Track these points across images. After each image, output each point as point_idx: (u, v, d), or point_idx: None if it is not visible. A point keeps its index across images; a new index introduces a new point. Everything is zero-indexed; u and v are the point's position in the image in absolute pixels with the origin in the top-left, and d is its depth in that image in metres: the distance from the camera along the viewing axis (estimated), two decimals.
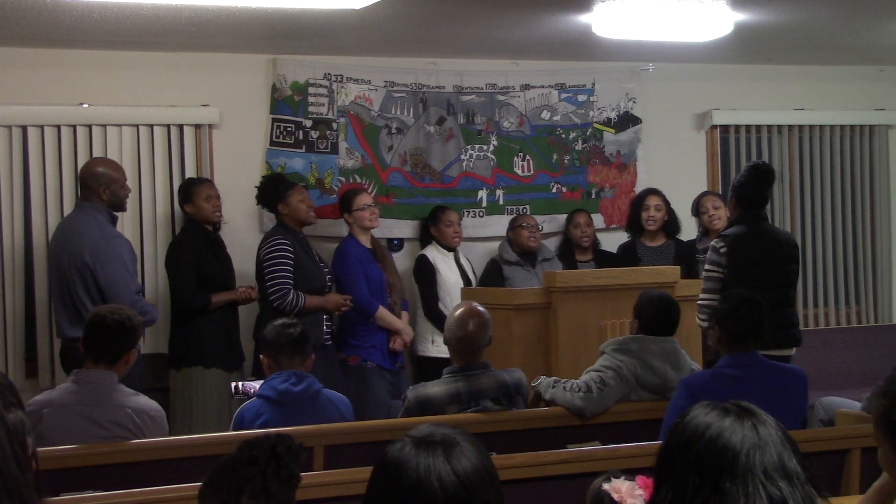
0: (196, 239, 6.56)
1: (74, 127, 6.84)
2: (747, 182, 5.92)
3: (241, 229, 7.13)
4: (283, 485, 2.69)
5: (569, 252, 7.76)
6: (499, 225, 7.77)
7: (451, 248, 7.41)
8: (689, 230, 7.72)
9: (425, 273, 7.30)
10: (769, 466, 2.00)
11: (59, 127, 6.81)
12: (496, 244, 7.68)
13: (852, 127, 8.84)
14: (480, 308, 5.03)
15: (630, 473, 2.94)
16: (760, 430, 2.04)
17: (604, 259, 7.69)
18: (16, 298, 6.71)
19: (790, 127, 8.68)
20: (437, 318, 7.13)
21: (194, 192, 6.60)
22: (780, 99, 8.62)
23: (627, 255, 7.56)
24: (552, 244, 7.83)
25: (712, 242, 5.96)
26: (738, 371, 4.68)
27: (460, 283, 7.26)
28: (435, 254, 7.37)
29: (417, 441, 2.05)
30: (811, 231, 8.70)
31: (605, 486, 2.76)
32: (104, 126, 6.89)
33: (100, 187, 6.05)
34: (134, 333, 4.52)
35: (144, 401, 4.50)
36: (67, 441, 4.26)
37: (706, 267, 5.85)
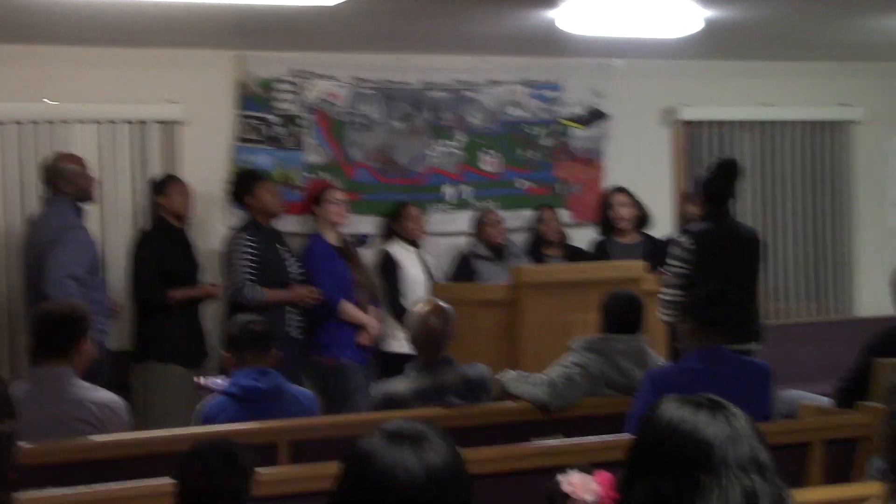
0: (161, 234, 6.57)
1: (38, 124, 6.81)
2: (713, 178, 5.94)
3: (209, 227, 7.12)
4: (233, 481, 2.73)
5: (537, 247, 7.77)
6: (465, 220, 7.78)
7: (414, 244, 7.41)
8: (661, 225, 7.75)
9: (388, 269, 7.30)
10: (743, 459, 2.01)
11: (21, 124, 6.78)
12: (462, 239, 7.69)
13: (816, 123, 8.90)
14: (441, 303, 5.04)
15: (595, 468, 2.96)
16: (733, 422, 2.04)
17: (572, 254, 7.71)
18: None
19: (756, 123, 8.73)
20: (399, 314, 7.14)
21: (168, 185, 6.62)
22: (746, 95, 8.66)
23: (600, 253, 7.57)
24: (520, 239, 7.84)
25: (677, 238, 5.98)
26: (704, 365, 4.69)
27: (424, 279, 7.27)
28: (398, 249, 7.37)
29: (388, 434, 2.05)
30: (775, 226, 8.75)
31: (560, 478, 2.78)
32: (68, 123, 6.86)
33: (64, 182, 6.05)
34: (81, 322, 4.47)
35: (105, 394, 4.47)
36: (28, 439, 4.22)
37: (671, 262, 5.86)
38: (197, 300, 6.62)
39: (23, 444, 4.13)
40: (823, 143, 8.91)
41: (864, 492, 3.24)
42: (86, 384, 4.45)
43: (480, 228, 7.56)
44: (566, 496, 2.98)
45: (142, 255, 6.49)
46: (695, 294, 4.94)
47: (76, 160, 6.26)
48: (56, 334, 4.41)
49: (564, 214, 8.08)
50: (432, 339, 4.93)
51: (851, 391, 5.05)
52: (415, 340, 5.00)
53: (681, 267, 5.77)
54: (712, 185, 5.92)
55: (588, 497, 2.93)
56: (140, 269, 6.48)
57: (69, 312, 4.45)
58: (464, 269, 7.41)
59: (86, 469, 4.12)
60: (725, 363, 4.76)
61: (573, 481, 2.87)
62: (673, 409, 2.08)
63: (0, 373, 6.63)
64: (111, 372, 6.05)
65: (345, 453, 2.09)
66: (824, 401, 5.51)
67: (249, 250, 6.60)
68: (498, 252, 7.48)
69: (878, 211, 9.09)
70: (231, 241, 6.66)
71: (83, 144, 6.85)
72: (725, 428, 2.03)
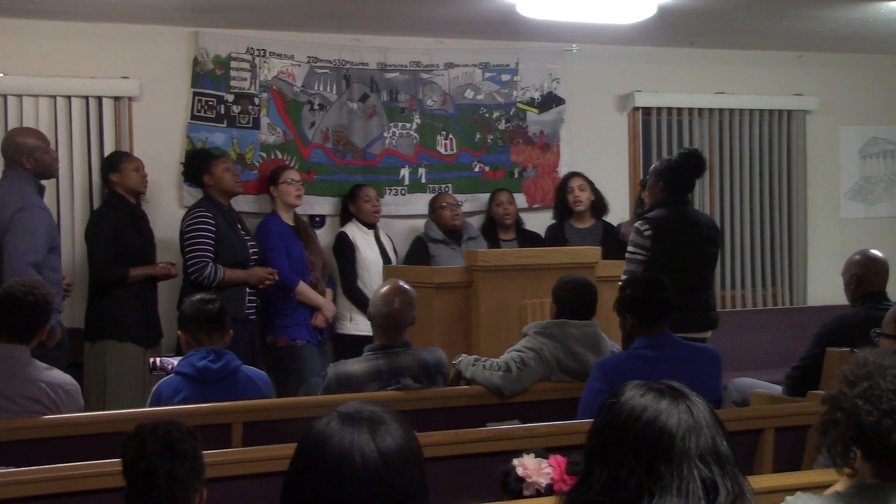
0: (118, 211, 6.48)
1: None
2: (679, 168, 5.95)
3: (162, 204, 7.06)
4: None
5: (492, 231, 7.77)
6: (421, 203, 7.76)
7: (370, 225, 7.39)
8: (616, 211, 7.77)
9: (344, 250, 7.28)
10: (703, 450, 2.01)
11: None
12: (419, 222, 7.68)
13: (771, 112, 8.95)
14: (407, 286, 5.03)
15: (550, 452, 2.96)
16: (695, 412, 2.04)
17: (527, 238, 7.72)
18: None
19: (710, 110, 8.77)
20: (355, 296, 7.13)
21: (122, 161, 6.53)
22: (701, 82, 8.70)
23: (555, 237, 7.58)
24: (476, 223, 7.84)
25: (636, 224, 5.99)
26: (653, 352, 4.72)
27: (380, 261, 7.25)
28: (355, 231, 7.34)
29: (344, 416, 2.04)
30: (729, 214, 8.80)
31: (515, 462, 2.78)
32: (20, 97, 6.77)
33: (22, 156, 5.94)
34: (48, 311, 4.47)
35: (58, 374, 4.44)
36: None
37: (629, 248, 5.88)
38: (154, 279, 6.56)
39: None
40: (778, 131, 8.97)
41: (813, 479, 3.28)
42: (42, 364, 4.41)
43: (436, 211, 7.55)
44: (520, 480, 2.99)
45: (100, 234, 6.40)
46: (627, 290, 4.91)
47: (36, 135, 6.15)
48: (20, 319, 4.37)
49: (520, 198, 8.08)
50: (393, 320, 4.92)
51: (803, 379, 5.10)
52: (375, 321, 4.98)
53: (638, 253, 5.78)
54: (676, 175, 5.93)
55: (542, 480, 2.93)
56: (99, 248, 6.39)
57: (39, 301, 4.40)
58: (419, 252, 7.39)
59: (37, 448, 4.09)
60: (674, 349, 4.79)
61: (527, 465, 2.88)
62: (636, 397, 2.08)
63: None
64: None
65: (301, 434, 2.08)
66: (776, 389, 5.56)
67: (209, 229, 6.54)
68: (453, 235, 7.47)
69: (831, 200, 9.18)
70: (189, 219, 6.60)
71: (36, 119, 6.77)
72: (688, 418, 2.03)
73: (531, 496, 3.00)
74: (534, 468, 2.93)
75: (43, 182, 6.07)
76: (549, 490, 2.94)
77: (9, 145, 6.02)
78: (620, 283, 5.65)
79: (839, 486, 2.53)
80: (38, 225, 5.81)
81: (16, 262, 5.68)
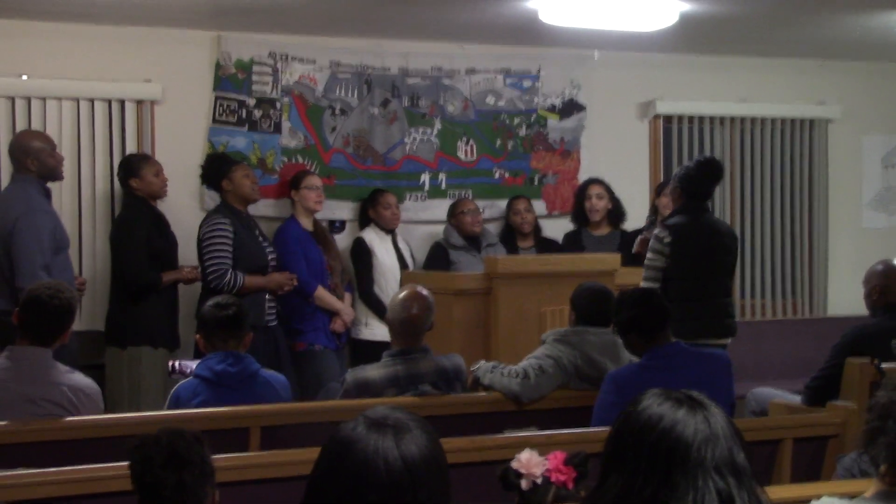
0: (144, 215, 6.50)
1: (13, 99, 6.75)
2: (696, 176, 5.95)
3: (182, 208, 7.07)
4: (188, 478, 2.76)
5: (510, 238, 7.77)
6: (441, 209, 7.76)
7: (389, 231, 7.40)
8: (634, 219, 7.76)
9: (361, 255, 7.28)
10: (720, 461, 1.99)
11: None
12: (437, 228, 7.68)
13: (793, 120, 8.93)
14: (425, 292, 5.03)
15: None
16: (712, 422, 2.03)
17: (545, 245, 7.71)
18: None
19: (732, 118, 8.75)
20: (371, 301, 7.13)
21: (142, 167, 6.53)
22: (723, 90, 8.68)
23: (572, 244, 7.58)
24: (494, 229, 7.84)
25: (656, 231, 5.99)
26: (662, 362, 4.69)
27: (397, 266, 7.26)
28: (373, 236, 7.35)
29: (370, 422, 2.04)
30: (750, 222, 8.78)
31: (515, 458, 2.81)
32: (43, 99, 6.81)
33: (27, 158, 5.98)
34: (72, 314, 4.49)
35: (80, 378, 4.45)
36: (0, 417, 4.21)
37: (648, 255, 5.87)
38: (177, 283, 6.58)
39: None
40: (800, 140, 8.94)
41: (832, 490, 3.26)
42: (64, 367, 4.43)
43: (456, 217, 7.54)
44: (519, 474, 3.00)
45: (132, 240, 6.39)
46: (622, 310, 4.87)
47: (42, 137, 6.19)
48: (45, 322, 4.38)
49: (540, 205, 8.08)
50: (411, 326, 4.91)
51: (823, 389, 5.08)
52: (393, 326, 4.98)
53: (657, 260, 5.78)
54: (693, 183, 5.92)
55: (536, 471, 2.94)
56: (132, 253, 6.38)
57: (64, 305, 4.42)
58: (439, 257, 7.39)
59: (57, 450, 4.11)
60: (682, 357, 4.76)
61: (522, 458, 2.90)
62: (654, 406, 2.07)
63: None
64: (80, 352, 6.02)
65: (326, 437, 2.08)
66: (795, 399, 5.54)
67: (227, 236, 6.54)
68: (473, 242, 7.47)
69: (852, 209, 9.14)
70: (207, 226, 6.59)
71: (59, 121, 6.81)
72: (704, 428, 2.02)
73: (529, 490, 3.01)
74: (529, 461, 2.94)
75: (50, 185, 6.11)
76: (545, 482, 2.95)
77: (15, 148, 6.08)
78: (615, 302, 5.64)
79: (868, 493, 2.52)
80: (42, 228, 5.84)
81: (25, 266, 5.72)
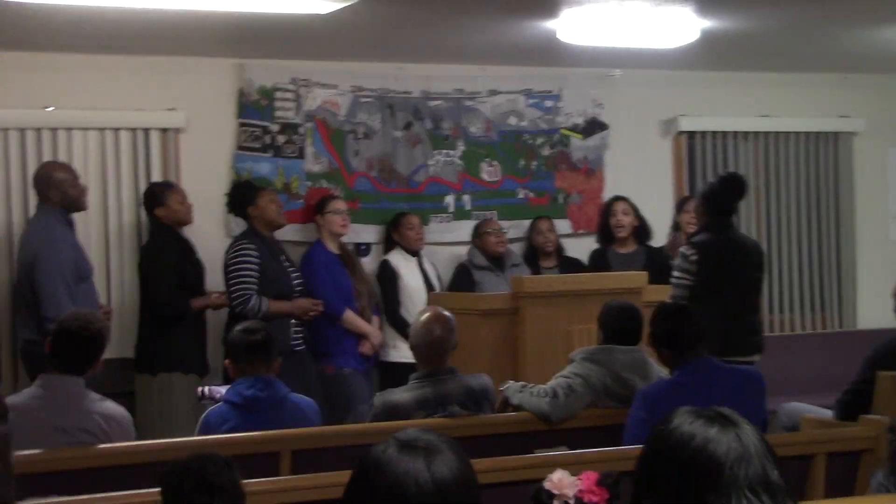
0: (172, 243, 6.54)
1: (39, 130, 6.80)
2: (720, 192, 5.94)
3: (208, 234, 7.09)
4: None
5: (533, 258, 7.76)
6: (465, 230, 7.77)
7: (414, 253, 7.41)
8: (660, 236, 7.75)
9: (387, 278, 7.30)
10: (753, 480, 1.97)
11: (23, 130, 6.77)
12: (463, 249, 7.68)
13: (817, 134, 8.90)
14: (446, 313, 5.02)
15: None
16: (744, 440, 2.01)
17: (568, 265, 7.70)
18: None
19: (756, 133, 8.73)
20: (398, 324, 7.14)
21: (166, 195, 6.57)
22: (745, 106, 8.67)
23: (598, 262, 7.57)
24: (517, 250, 7.83)
25: (681, 249, 5.97)
26: (694, 378, 4.67)
27: (423, 289, 7.26)
28: (398, 259, 7.36)
29: (401, 444, 2.04)
30: (776, 237, 8.75)
31: (547, 478, 2.80)
32: (69, 130, 6.86)
33: (50, 189, 6.07)
34: (103, 344, 4.51)
35: (112, 406, 4.47)
36: (32, 447, 4.22)
37: (675, 273, 5.86)
38: (205, 309, 6.62)
39: (28, 451, 4.15)
40: (824, 154, 8.91)
41: None
42: (95, 395, 4.45)
43: (481, 237, 7.55)
44: (551, 495, 2.99)
45: (162, 268, 6.43)
46: (657, 324, 4.87)
47: (65, 168, 6.26)
48: (76, 351, 4.41)
49: (565, 224, 8.08)
50: (435, 348, 4.91)
51: (854, 404, 5.04)
52: (417, 349, 4.98)
53: (684, 278, 5.76)
54: (717, 199, 5.91)
55: (569, 492, 2.94)
56: (162, 282, 6.42)
57: (95, 336, 4.45)
58: (463, 279, 7.39)
59: (89, 477, 4.12)
60: (715, 373, 4.74)
61: (554, 478, 2.89)
62: (685, 424, 2.05)
63: (5, 375, 6.66)
64: (109, 380, 6.06)
65: (357, 460, 2.08)
66: (827, 413, 5.50)
67: (252, 261, 6.57)
68: (497, 262, 7.47)
69: (879, 222, 9.09)
70: (233, 252, 6.63)
71: (85, 152, 6.85)
72: (737, 446, 2.00)
73: None
74: (562, 482, 2.94)
75: (78, 215, 6.17)
76: (578, 503, 2.94)
77: (39, 179, 6.16)
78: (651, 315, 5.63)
79: None
80: (63, 258, 5.91)
81: (49, 296, 5.80)
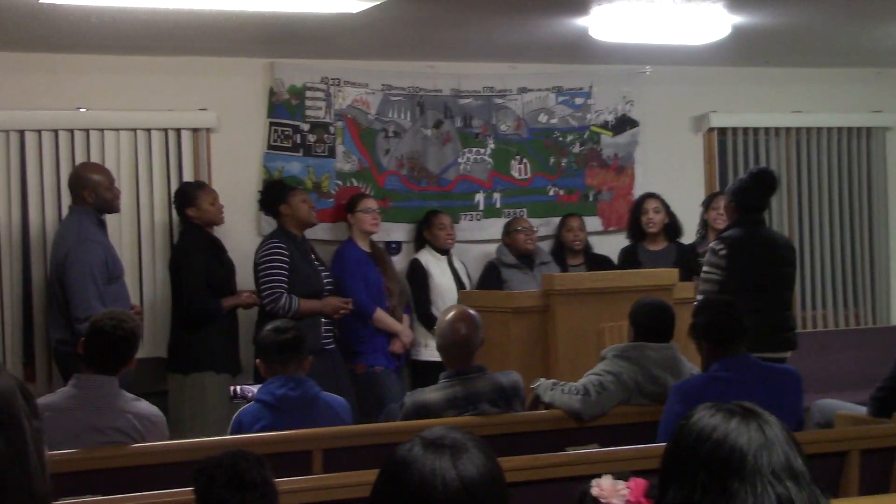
0: (202, 243, 6.56)
1: (72, 131, 6.85)
2: (750, 188, 5.91)
3: (240, 233, 7.13)
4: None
5: (560, 255, 7.75)
6: (496, 228, 7.76)
7: (444, 252, 7.41)
8: (690, 233, 7.72)
9: (418, 277, 7.31)
10: (777, 466, 2.00)
11: (56, 131, 6.81)
12: (493, 247, 7.68)
13: (849, 129, 8.86)
14: (470, 311, 5.01)
15: (633, 475, 2.94)
16: (766, 430, 2.04)
17: (595, 263, 7.67)
18: (14, 302, 6.72)
19: (787, 129, 8.69)
20: (429, 322, 7.14)
21: (197, 196, 6.59)
22: (777, 101, 8.62)
23: (628, 260, 7.54)
24: (546, 247, 7.82)
25: (711, 245, 5.96)
26: (731, 374, 4.67)
27: (454, 287, 7.27)
28: (428, 257, 7.37)
29: (427, 442, 2.04)
30: (809, 233, 8.71)
31: (591, 483, 2.77)
32: (101, 130, 6.89)
33: (84, 191, 6.10)
34: (136, 343, 4.53)
35: (145, 406, 4.50)
36: (67, 446, 4.26)
37: (704, 269, 5.84)
38: (236, 308, 6.64)
39: (64, 451, 4.18)
40: (857, 149, 8.87)
41: None
42: (129, 395, 4.48)
43: (510, 235, 7.55)
44: (596, 501, 2.97)
45: (192, 269, 6.44)
46: (699, 315, 4.87)
47: (101, 170, 6.29)
48: (111, 353, 4.43)
49: (595, 222, 8.06)
50: (461, 346, 4.90)
51: (888, 400, 5.01)
52: (444, 349, 4.97)
53: (713, 273, 5.74)
54: (748, 195, 5.88)
55: (616, 501, 2.91)
56: (192, 283, 6.43)
57: (128, 335, 4.47)
58: (491, 277, 7.39)
59: (123, 477, 4.15)
60: (752, 370, 4.73)
61: (602, 486, 2.86)
62: (706, 417, 2.08)
63: (40, 375, 6.71)
64: (142, 380, 6.10)
65: (383, 460, 2.09)
66: (861, 410, 5.47)
67: (283, 260, 6.59)
68: (526, 260, 7.46)
69: None
70: (263, 250, 6.65)
71: (117, 152, 6.89)
72: (759, 436, 2.02)
73: None
74: (609, 489, 2.91)
75: (110, 215, 6.20)
76: None
77: (74, 180, 6.20)
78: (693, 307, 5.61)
79: None
80: (93, 259, 5.94)
81: (79, 297, 5.83)
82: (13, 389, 1.86)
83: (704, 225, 7.53)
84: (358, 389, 6.78)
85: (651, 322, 5.13)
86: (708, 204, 7.53)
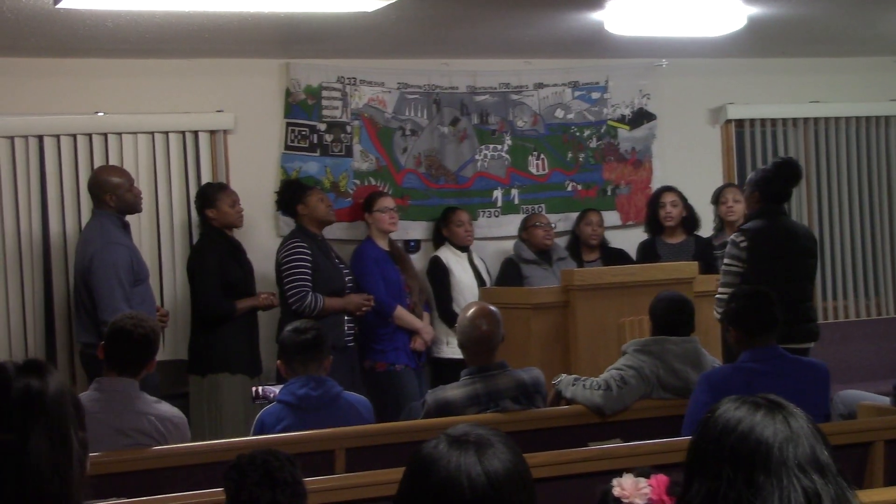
0: (219, 244, 6.56)
1: (90, 135, 6.87)
2: (774, 178, 5.88)
3: (258, 234, 7.15)
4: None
5: (576, 250, 7.74)
6: (514, 224, 7.75)
7: (463, 249, 7.41)
8: (708, 226, 7.70)
9: (438, 274, 7.31)
10: (802, 459, 1.99)
11: (75, 136, 6.84)
12: (511, 244, 7.67)
13: (868, 118, 8.81)
14: (490, 307, 5.02)
15: (655, 470, 2.93)
16: (792, 423, 2.02)
17: (611, 257, 7.66)
18: (35, 306, 6.74)
19: (805, 120, 8.66)
20: (450, 319, 7.14)
21: (218, 198, 6.59)
22: (794, 92, 8.59)
23: (647, 253, 7.53)
24: (562, 243, 7.80)
25: (732, 236, 5.94)
26: (760, 365, 4.66)
27: (474, 284, 7.26)
28: (448, 255, 7.37)
29: (452, 439, 2.04)
30: (829, 223, 8.67)
31: (613, 482, 2.76)
32: (120, 134, 6.92)
33: (105, 195, 6.11)
34: (156, 345, 4.55)
35: (167, 408, 4.52)
36: (91, 449, 4.27)
37: (725, 261, 5.82)
38: (255, 309, 6.65)
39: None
40: (876, 138, 8.82)
41: None
42: (150, 398, 4.50)
43: (528, 231, 7.53)
44: (618, 500, 2.96)
45: (206, 271, 6.46)
46: (733, 302, 4.87)
47: (120, 173, 6.30)
48: (132, 355, 4.45)
49: (613, 216, 8.05)
50: (484, 343, 4.90)
51: None
52: (465, 346, 4.97)
53: (734, 265, 5.72)
54: (771, 185, 5.86)
55: (639, 501, 2.90)
56: (206, 284, 6.44)
57: (148, 335, 4.49)
58: (511, 273, 7.38)
59: (147, 479, 4.16)
60: (781, 362, 4.72)
61: (624, 485, 2.85)
62: (731, 410, 2.07)
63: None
64: (165, 382, 6.12)
65: (409, 457, 2.09)
66: (884, 400, 5.44)
67: (306, 259, 6.60)
68: (544, 255, 7.45)
69: None
70: (286, 250, 6.65)
71: (136, 155, 6.91)
72: (784, 428, 2.01)
73: None
74: (631, 488, 2.89)
75: (128, 218, 6.21)
76: None
77: (94, 184, 6.21)
78: (722, 295, 5.59)
79: None
80: (119, 261, 5.94)
81: (106, 300, 5.84)
82: (64, 394, 1.87)
83: (719, 219, 7.50)
84: (379, 387, 6.78)
85: (671, 316, 5.12)
86: (717, 199, 7.50)
